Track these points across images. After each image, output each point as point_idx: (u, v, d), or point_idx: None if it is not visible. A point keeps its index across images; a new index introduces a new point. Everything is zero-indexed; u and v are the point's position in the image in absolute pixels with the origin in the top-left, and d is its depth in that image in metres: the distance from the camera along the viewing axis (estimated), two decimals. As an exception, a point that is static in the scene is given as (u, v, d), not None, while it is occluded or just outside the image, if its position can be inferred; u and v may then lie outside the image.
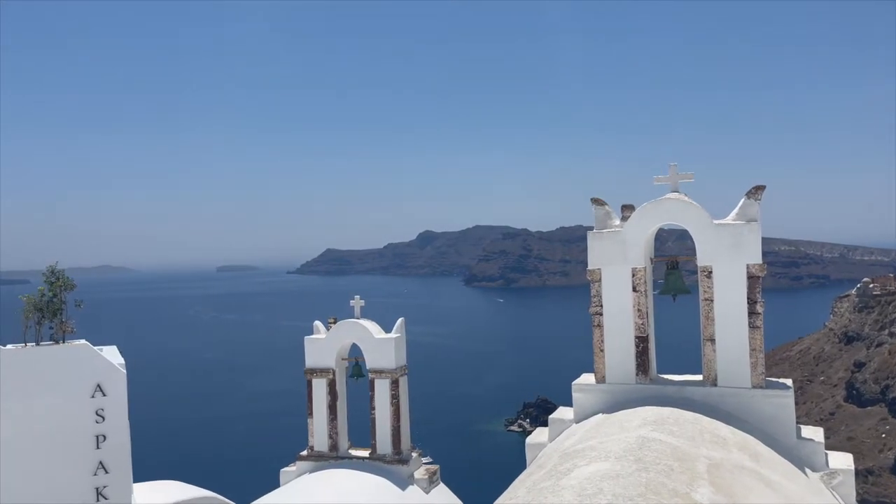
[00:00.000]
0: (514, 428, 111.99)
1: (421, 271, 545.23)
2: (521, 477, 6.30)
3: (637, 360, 7.58)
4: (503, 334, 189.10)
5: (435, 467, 10.68)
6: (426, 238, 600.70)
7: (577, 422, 7.51)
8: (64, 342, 12.89)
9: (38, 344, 12.76)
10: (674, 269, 7.93)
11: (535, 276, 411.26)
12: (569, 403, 7.90)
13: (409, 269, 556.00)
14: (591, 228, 7.88)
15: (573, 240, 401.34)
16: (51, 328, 12.91)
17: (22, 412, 12.20)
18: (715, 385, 7.27)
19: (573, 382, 7.81)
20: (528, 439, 7.82)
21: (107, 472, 12.61)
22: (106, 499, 12.48)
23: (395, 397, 10.60)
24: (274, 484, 11.28)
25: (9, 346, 12.52)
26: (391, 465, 10.40)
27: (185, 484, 14.91)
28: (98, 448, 12.62)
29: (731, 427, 6.57)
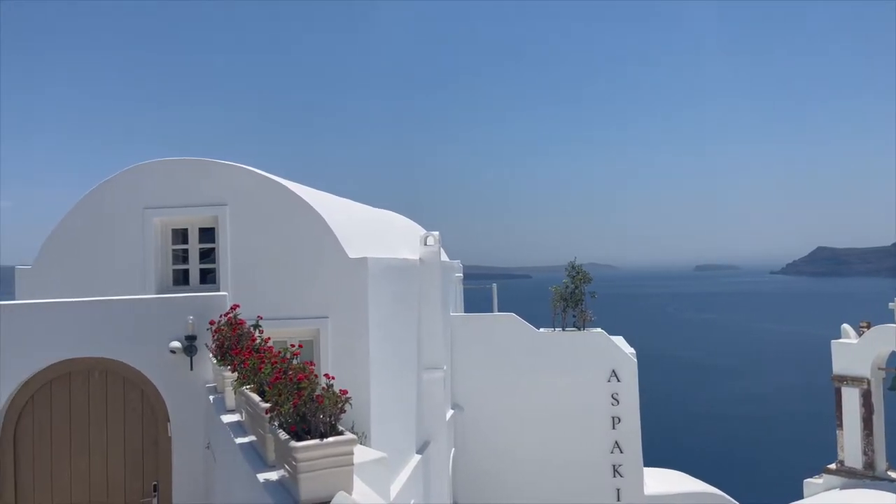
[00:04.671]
0: None
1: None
2: None
3: None
4: None
5: None
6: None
7: None
8: (584, 329, 14.45)
9: (563, 329, 14.58)
10: None
11: None
12: None
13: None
14: None
15: None
16: (573, 316, 14.61)
17: (550, 386, 14.11)
18: None
19: None
20: None
21: (621, 452, 13.66)
22: (622, 476, 13.53)
23: (954, 419, 8.85)
24: (795, 494, 10.59)
25: (542, 330, 14.61)
26: (951, 500, 8.71)
27: (689, 476, 15.15)
28: (613, 429, 13.77)
29: None
